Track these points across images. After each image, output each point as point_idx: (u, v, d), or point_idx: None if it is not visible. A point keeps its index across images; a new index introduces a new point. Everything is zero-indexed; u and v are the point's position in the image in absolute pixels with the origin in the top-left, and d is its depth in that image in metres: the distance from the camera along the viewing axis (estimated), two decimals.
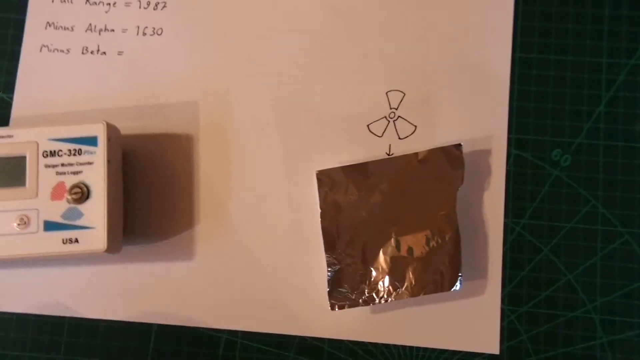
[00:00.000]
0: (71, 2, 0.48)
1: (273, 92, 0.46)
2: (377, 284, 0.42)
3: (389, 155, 0.45)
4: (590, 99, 0.45)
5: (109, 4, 0.48)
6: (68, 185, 0.41)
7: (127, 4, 0.48)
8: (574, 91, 0.45)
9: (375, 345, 0.43)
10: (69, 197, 0.41)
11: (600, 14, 0.46)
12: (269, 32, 0.47)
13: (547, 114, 0.45)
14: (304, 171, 0.45)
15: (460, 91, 0.45)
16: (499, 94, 0.45)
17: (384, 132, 0.45)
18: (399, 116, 0.45)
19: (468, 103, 0.45)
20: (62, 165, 0.42)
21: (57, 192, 0.41)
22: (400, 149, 0.45)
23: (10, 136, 0.42)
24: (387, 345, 0.43)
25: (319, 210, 0.43)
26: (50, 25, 0.48)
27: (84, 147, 0.42)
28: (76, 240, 0.41)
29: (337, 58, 0.46)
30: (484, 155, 0.45)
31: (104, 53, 0.47)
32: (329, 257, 0.42)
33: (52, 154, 0.42)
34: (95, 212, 0.41)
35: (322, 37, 0.47)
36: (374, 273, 0.42)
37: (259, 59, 0.47)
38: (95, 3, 0.48)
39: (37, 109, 0.47)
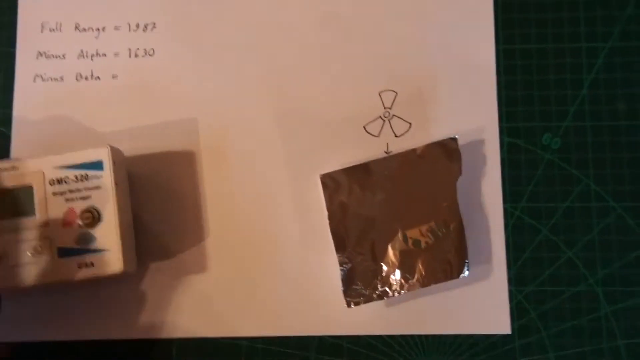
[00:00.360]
0: (60, 30, 0.48)
1: (269, 102, 0.47)
2: (389, 278, 0.43)
3: (387, 153, 0.46)
4: (573, 83, 0.47)
5: (98, 29, 0.48)
6: (78, 211, 0.42)
7: (117, 28, 0.48)
8: (557, 77, 0.47)
9: (392, 337, 0.45)
10: (80, 223, 0.42)
11: (575, 1, 0.48)
12: (260, 44, 0.48)
13: (534, 101, 0.47)
14: (307, 176, 0.46)
15: (450, 86, 0.47)
16: (487, 86, 0.47)
17: (380, 132, 0.47)
18: (393, 115, 0.47)
19: (459, 97, 0.47)
20: (70, 191, 0.42)
21: (67, 219, 0.42)
22: (398, 146, 0.46)
23: (15, 168, 0.42)
24: (403, 336, 0.45)
25: (325, 213, 0.44)
26: (41, 55, 0.48)
27: (90, 172, 0.42)
28: (91, 264, 0.42)
29: (329, 64, 0.48)
30: (479, 145, 0.46)
31: (98, 78, 0.48)
32: (341, 257, 0.44)
33: (59, 181, 0.42)
34: (108, 234, 0.42)
35: (312, 46, 0.48)
36: (385, 268, 0.43)
37: (252, 71, 0.48)
38: (85, 29, 0.48)
39: (37, 139, 0.47)
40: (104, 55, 0.48)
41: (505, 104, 0.47)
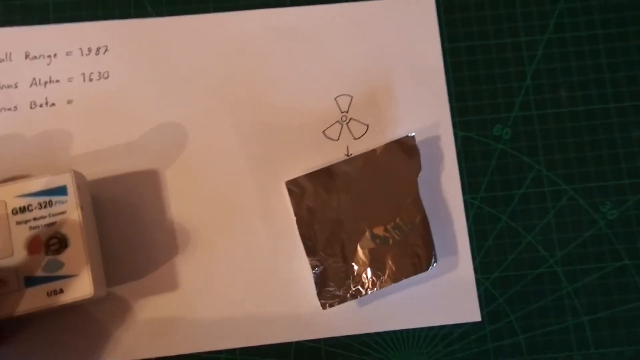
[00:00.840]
0: (10, 59, 0.48)
1: (228, 116, 0.48)
2: (360, 276, 0.44)
3: (348, 156, 0.47)
4: (517, 75, 0.49)
5: (49, 56, 0.48)
6: (44, 238, 0.41)
7: (69, 54, 0.48)
8: (501, 70, 0.49)
9: (368, 335, 0.46)
10: (46, 249, 0.41)
11: None
12: (213, 59, 0.49)
13: (482, 95, 0.49)
14: (271, 185, 0.47)
15: (403, 87, 0.49)
16: (437, 84, 0.49)
17: (339, 135, 0.48)
18: (350, 118, 0.48)
19: (411, 96, 0.49)
20: (35, 219, 0.41)
21: (33, 247, 0.41)
22: (358, 148, 0.48)
23: None
24: (379, 333, 0.46)
25: (293, 219, 0.45)
26: None
27: (54, 198, 0.42)
28: (61, 291, 0.41)
29: (283, 75, 0.49)
30: (434, 140, 0.48)
31: (53, 104, 0.47)
32: (312, 260, 0.44)
33: (22, 210, 0.41)
34: (76, 259, 0.41)
35: (265, 58, 0.49)
36: (355, 267, 0.44)
37: (208, 87, 0.48)
38: (36, 57, 0.48)
39: None
40: (57, 81, 0.48)
41: (456, 99, 0.49)
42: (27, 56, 0.48)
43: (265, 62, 0.49)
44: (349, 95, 0.49)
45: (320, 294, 0.44)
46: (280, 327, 0.45)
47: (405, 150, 0.46)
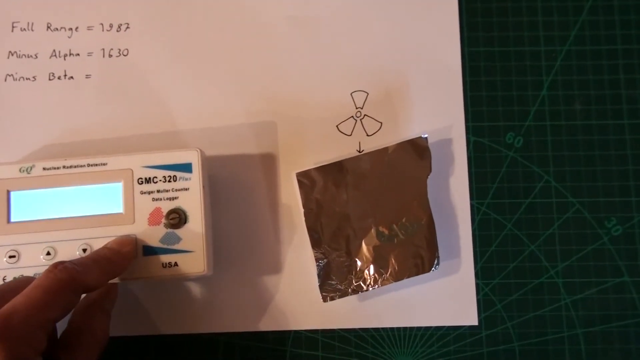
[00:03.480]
0: (32, 30, 0.48)
1: (244, 103, 0.48)
2: (363, 272, 0.45)
3: (359, 152, 0.48)
4: (533, 85, 0.49)
5: (71, 29, 0.48)
6: (165, 210, 0.42)
7: (90, 28, 0.48)
8: (518, 78, 0.49)
9: (365, 330, 0.46)
10: (166, 222, 0.42)
11: (534, 6, 0.50)
12: (233, 46, 0.49)
13: (497, 101, 0.49)
14: (281, 175, 0.47)
15: (419, 87, 0.49)
16: (454, 86, 0.49)
17: (352, 131, 0.48)
18: (365, 115, 0.48)
19: (427, 97, 0.49)
20: (158, 191, 0.42)
21: (154, 218, 0.42)
22: (370, 145, 0.48)
23: (104, 164, 0.42)
24: (376, 329, 0.46)
25: (299, 210, 0.46)
26: (12, 54, 0.48)
27: (178, 174, 0.42)
28: (175, 264, 0.42)
29: (301, 66, 0.49)
30: (446, 143, 0.48)
31: (72, 77, 0.48)
32: (316, 253, 0.45)
33: (147, 180, 0.42)
34: (193, 236, 0.42)
35: (284, 49, 0.49)
36: (359, 263, 0.45)
37: (225, 74, 0.49)
38: (57, 29, 0.48)
39: (7, 139, 0.47)
40: (77, 55, 0.48)
41: (471, 104, 0.49)
42: (48, 27, 0.48)
43: (284, 52, 0.49)
44: (365, 91, 0.49)
45: (322, 287, 0.44)
46: (280, 315, 0.46)
47: (417, 150, 0.46)
